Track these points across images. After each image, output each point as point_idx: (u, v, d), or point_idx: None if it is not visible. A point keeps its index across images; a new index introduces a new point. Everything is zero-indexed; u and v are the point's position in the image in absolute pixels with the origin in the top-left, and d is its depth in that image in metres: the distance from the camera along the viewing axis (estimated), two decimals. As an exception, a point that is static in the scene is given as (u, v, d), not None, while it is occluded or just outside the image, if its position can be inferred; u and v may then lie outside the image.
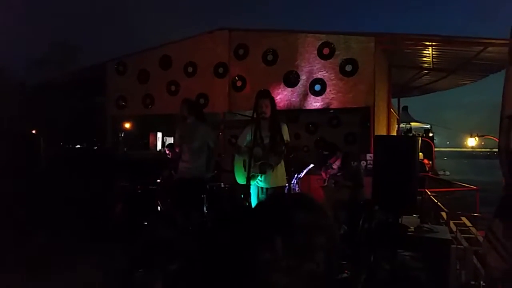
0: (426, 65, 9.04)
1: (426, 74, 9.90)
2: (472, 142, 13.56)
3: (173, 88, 8.64)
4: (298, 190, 6.46)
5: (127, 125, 11.42)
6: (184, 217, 4.96)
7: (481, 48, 7.19)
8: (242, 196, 4.97)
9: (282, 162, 4.54)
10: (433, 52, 7.97)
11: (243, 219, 0.92)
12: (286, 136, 4.45)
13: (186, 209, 4.99)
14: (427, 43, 7.48)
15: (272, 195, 4.14)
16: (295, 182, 6.33)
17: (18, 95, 18.12)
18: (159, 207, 6.13)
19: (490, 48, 7.10)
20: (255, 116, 4.38)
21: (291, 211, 0.87)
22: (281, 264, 0.80)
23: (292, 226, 0.84)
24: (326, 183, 6.31)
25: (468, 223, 6.11)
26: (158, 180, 6.50)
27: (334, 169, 6.22)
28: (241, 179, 4.52)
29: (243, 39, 8.11)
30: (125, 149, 10.31)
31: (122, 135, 10.69)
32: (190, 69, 8.50)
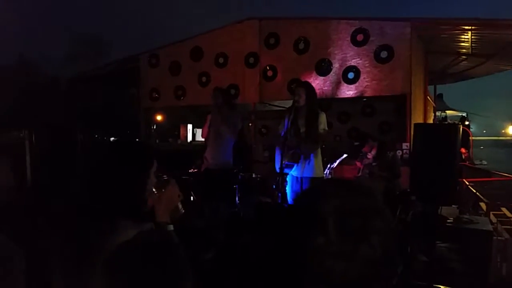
0: (464, 50, 8.67)
1: (464, 60, 9.51)
2: (512, 130, 13.04)
3: (204, 79, 8.66)
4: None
5: (159, 117, 11.56)
6: (213, 207, 4.97)
7: (525, 30, 6.84)
8: (274, 187, 4.93)
9: (319, 153, 4.48)
10: (472, 37, 7.63)
11: (294, 203, 0.89)
12: (323, 125, 4.39)
13: (214, 201, 5.00)
14: (466, 27, 7.15)
15: (324, 180, 4.09)
16: (327, 172, 6.24)
17: (53, 88, 18.71)
18: (192, 197, 6.17)
19: (535, 31, 6.74)
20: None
21: (344, 194, 0.84)
22: (335, 248, 0.77)
23: (346, 209, 0.81)
24: (360, 173, 6.20)
25: (509, 214, 5.92)
26: (191, 170, 6.54)
27: (369, 158, 6.09)
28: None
29: (274, 28, 8.00)
30: (157, 140, 10.45)
31: (155, 127, 10.84)
32: (221, 60, 8.48)
